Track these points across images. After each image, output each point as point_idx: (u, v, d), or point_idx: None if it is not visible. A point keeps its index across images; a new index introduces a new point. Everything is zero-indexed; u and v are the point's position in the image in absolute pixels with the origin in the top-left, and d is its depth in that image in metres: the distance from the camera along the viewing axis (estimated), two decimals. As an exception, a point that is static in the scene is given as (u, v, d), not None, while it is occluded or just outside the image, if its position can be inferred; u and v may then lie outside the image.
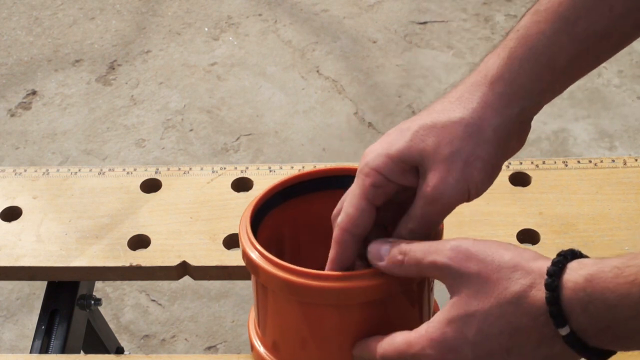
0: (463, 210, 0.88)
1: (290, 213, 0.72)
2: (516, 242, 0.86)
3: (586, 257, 0.55)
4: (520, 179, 0.92)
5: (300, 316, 0.66)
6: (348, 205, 0.63)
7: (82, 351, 0.95)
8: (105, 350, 1.07)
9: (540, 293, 0.54)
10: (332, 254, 0.64)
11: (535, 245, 0.85)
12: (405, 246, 0.61)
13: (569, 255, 0.54)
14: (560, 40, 0.61)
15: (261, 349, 0.71)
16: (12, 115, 2.22)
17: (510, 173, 0.93)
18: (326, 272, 0.63)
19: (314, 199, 0.72)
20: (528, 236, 0.86)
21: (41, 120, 2.20)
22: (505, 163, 0.93)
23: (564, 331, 0.53)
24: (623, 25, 0.62)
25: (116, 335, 1.17)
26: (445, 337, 0.57)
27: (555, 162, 0.94)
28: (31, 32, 2.47)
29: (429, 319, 0.60)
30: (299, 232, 0.74)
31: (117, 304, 1.77)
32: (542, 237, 0.86)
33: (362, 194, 0.62)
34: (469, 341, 0.56)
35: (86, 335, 0.96)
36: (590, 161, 0.93)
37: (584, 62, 0.63)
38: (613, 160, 0.93)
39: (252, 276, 0.68)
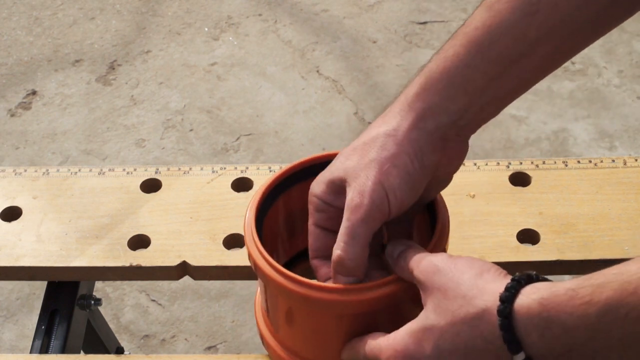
0: (463, 211, 0.88)
1: (300, 195, 0.74)
2: (516, 242, 0.86)
3: (544, 279, 0.55)
4: (520, 179, 0.92)
5: (298, 312, 0.68)
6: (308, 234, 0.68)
7: (82, 351, 0.95)
8: (105, 350, 1.07)
9: (494, 317, 0.54)
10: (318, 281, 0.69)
11: (535, 245, 0.85)
12: (408, 252, 0.64)
13: (523, 280, 0.54)
14: (474, 62, 0.63)
15: (267, 333, 0.74)
16: (12, 115, 2.22)
17: (510, 173, 0.93)
18: (325, 284, 0.65)
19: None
20: (528, 236, 0.86)
21: (41, 120, 2.20)
22: (505, 163, 0.94)
23: (519, 357, 0.53)
24: (540, 48, 0.63)
25: (116, 335, 1.17)
26: (406, 349, 0.59)
27: (555, 162, 0.94)
28: (31, 32, 2.47)
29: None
30: (304, 212, 0.76)
31: (117, 304, 1.77)
32: (542, 237, 0.86)
33: (311, 220, 0.68)
34: (427, 355, 0.57)
35: (86, 335, 0.96)
36: (590, 161, 0.93)
37: (505, 84, 0.64)
38: (613, 160, 0.93)
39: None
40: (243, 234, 0.70)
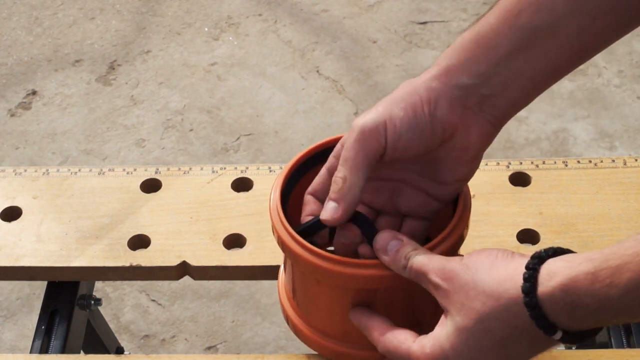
0: (463, 210, 0.88)
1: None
2: (516, 242, 0.86)
3: (554, 254, 0.57)
4: (520, 179, 0.92)
5: (327, 288, 0.70)
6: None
7: (82, 351, 0.95)
8: (105, 350, 1.07)
9: (521, 308, 0.55)
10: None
11: (535, 245, 0.85)
12: (412, 252, 0.64)
13: (537, 265, 0.56)
14: (501, 29, 0.64)
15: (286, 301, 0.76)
16: (12, 115, 2.22)
17: (510, 173, 0.93)
18: (351, 259, 0.66)
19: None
20: (528, 236, 0.86)
21: (41, 120, 2.20)
22: (505, 163, 0.94)
23: (558, 336, 0.55)
24: (567, 25, 0.63)
25: (116, 335, 1.17)
26: (446, 357, 0.60)
27: (555, 162, 0.94)
28: (31, 32, 2.47)
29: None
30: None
31: (117, 304, 1.77)
32: (542, 237, 0.86)
33: (326, 164, 0.70)
34: (469, 357, 0.59)
35: (86, 335, 0.96)
36: (590, 161, 0.93)
37: (531, 60, 0.64)
38: (613, 160, 0.93)
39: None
40: (268, 212, 0.71)
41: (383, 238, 0.65)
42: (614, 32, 0.65)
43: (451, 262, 0.61)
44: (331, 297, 0.71)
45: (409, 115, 0.64)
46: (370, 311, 0.67)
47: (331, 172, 0.67)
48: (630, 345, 0.81)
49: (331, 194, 0.65)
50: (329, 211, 0.65)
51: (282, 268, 0.79)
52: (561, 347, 0.80)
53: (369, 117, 0.64)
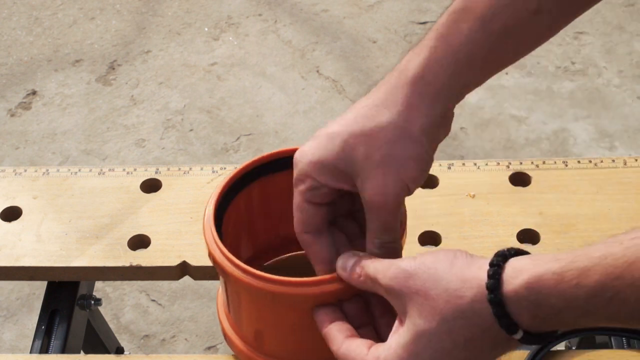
0: (463, 210, 0.88)
1: (257, 192, 0.75)
2: (516, 242, 0.86)
3: (518, 253, 0.55)
4: (520, 179, 0.92)
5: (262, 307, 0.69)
6: (294, 209, 0.67)
7: (82, 351, 0.95)
8: (105, 350, 1.07)
9: (484, 305, 0.54)
10: (309, 256, 0.68)
11: (535, 245, 0.85)
12: (365, 261, 0.63)
13: (500, 262, 0.55)
14: (477, 38, 0.63)
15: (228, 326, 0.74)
16: (12, 115, 2.22)
17: (510, 173, 0.93)
18: (285, 278, 0.64)
19: (274, 178, 0.75)
20: (528, 236, 0.86)
21: (41, 120, 2.20)
22: (505, 163, 0.94)
23: (518, 336, 0.54)
24: (538, 23, 0.64)
25: (116, 335, 1.17)
26: None
27: (555, 162, 0.94)
28: (31, 32, 2.47)
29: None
30: (265, 207, 0.77)
31: (117, 304, 1.77)
32: (542, 237, 0.86)
33: (301, 198, 0.66)
34: None
35: (86, 335, 0.96)
36: (590, 161, 0.93)
37: (500, 57, 0.65)
38: (613, 160, 0.93)
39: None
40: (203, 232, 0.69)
41: (343, 258, 0.64)
42: (580, 13, 0.66)
43: (403, 262, 0.59)
44: (274, 317, 0.69)
45: (422, 168, 0.65)
46: (331, 317, 0.64)
47: (314, 202, 0.66)
48: (630, 346, 0.81)
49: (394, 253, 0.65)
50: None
51: (220, 289, 0.76)
52: (560, 347, 0.80)
53: (396, 195, 0.64)
